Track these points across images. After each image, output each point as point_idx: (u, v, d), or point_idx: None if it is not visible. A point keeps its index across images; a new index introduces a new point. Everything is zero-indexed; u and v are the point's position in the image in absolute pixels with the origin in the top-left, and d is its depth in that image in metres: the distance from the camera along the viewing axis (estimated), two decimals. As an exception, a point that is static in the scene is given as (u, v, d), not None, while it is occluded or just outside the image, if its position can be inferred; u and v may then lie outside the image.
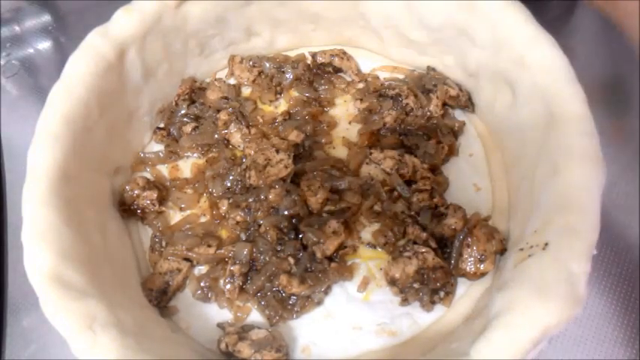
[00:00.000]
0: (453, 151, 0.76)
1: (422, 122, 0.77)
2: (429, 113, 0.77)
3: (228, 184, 0.75)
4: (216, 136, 0.79)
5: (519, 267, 0.57)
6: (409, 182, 0.72)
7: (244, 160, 0.76)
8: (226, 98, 0.82)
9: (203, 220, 0.75)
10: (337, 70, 0.84)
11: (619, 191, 0.75)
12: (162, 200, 0.75)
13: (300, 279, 0.66)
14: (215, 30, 0.80)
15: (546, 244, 0.55)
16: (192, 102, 0.82)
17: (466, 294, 0.67)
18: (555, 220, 0.56)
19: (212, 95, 0.82)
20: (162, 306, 0.69)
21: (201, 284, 0.69)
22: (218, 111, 0.80)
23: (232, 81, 0.86)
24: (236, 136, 0.79)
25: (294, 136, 0.76)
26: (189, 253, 0.70)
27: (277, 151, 0.73)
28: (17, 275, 0.76)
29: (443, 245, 0.68)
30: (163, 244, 0.72)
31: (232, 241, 0.71)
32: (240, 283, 0.67)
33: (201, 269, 0.72)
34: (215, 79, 0.84)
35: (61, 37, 1.01)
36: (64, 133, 0.63)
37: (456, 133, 0.77)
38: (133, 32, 0.71)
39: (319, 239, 0.67)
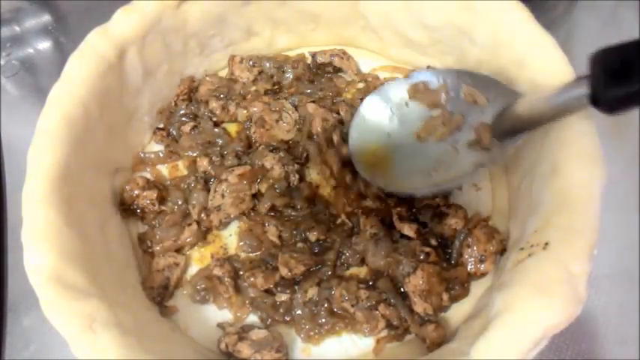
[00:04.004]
0: None
1: None
2: None
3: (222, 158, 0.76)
4: (216, 130, 0.79)
5: (520, 267, 0.57)
6: None
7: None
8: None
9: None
10: (337, 70, 0.84)
11: (619, 191, 0.75)
12: (162, 200, 0.75)
13: None
14: (215, 30, 0.80)
15: (547, 244, 0.55)
16: (191, 101, 0.82)
17: (466, 294, 0.67)
18: (555, 219, 0.56)
19: (203, 90, 0.82)
20: (164, 303, 0.69)
21: (197, 287, 0.69)
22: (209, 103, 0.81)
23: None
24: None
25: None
26: (178, 242, 0.71)
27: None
28: (17, 275, 0.76)
29: (444, 245, 0.68)
30: (149, 243, 0.72)
31: None
32: (231, 280, 0.68)
33: (192, 271, 0.72)
34: (207, 75, 0.84)
35: (61, 37, 1.01)
36: (64, 133, 0.63)
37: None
38: (133, 32, 0.71)
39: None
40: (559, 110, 0.54)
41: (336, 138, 0.74)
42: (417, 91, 0.71)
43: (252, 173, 0.72)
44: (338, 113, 0.78)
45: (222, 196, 0.71)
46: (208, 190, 0.73)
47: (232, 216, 0.72)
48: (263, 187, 0.72)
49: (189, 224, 0.72)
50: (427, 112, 0.70)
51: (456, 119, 0.67)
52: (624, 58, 0.41)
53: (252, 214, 0.73)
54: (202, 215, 0.72)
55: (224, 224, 0.73)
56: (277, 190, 0.71)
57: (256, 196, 0.73)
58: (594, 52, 0.44)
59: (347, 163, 0.73)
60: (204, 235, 0.73)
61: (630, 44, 0.41)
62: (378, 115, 0.72)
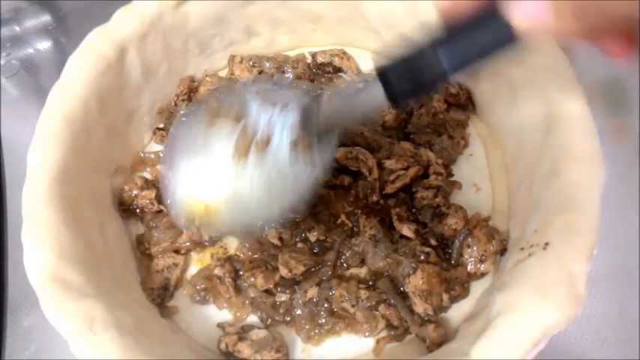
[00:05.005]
0: (467, 143, 0.76)
1: (428, 119, 0.77)
2: (433, 109, 0.77)
3: None
4: None
5: (519, 267, 0.57)
6: (423, 176, 0.72)
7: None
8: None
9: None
10: (337, 70, 0.84)
11: (619, 191, 0.75)
12: (161, 199, 0.75)
13: None
14: (215, 30, 0.80)
15: (546, 244, 0.55)
16: (191, 101, 0.82)
17: (466, 294, 0.67)
18: (555, 219, 0.56)
19: (204, 90, 0.82)
20: (165, 303, 0.69)
21: (197, 287, 0.69)
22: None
23: (230, 81, 0.86)
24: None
25: None
26: (176, 244, 0.71)
27: None
28: (17, 275, 0.76)
29: (444, 246, 0.68)
30: (147, 245, 0.72)
31: None
32: (232, 280, 0.68)
33: (192, 271, 0.72)
34: (207, 75, 0.84)
35: (61, 37, 1.01)
36: (63, 133, 0.63)
37: (463, 124, 0.78)
38: (133, 32, 0.71)
39: None
40: (358, 108, 0.56)
41: None
42: (213, 112, 0.61)
43: None
44: None
45: None
46: None
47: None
48: None
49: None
50: (233, 130, 0.59)
51: (260, 133, 0.58)
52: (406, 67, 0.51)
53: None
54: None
55: (212, 242, 0.72)
56: None
57: None
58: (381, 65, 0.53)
59: (344, 168, 0.73)
60: (201, 237, 0.72)
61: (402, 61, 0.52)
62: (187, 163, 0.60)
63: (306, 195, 0.59)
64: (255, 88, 0.62)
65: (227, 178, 0.57)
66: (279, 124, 0.58)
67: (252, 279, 0.67)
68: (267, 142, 0.57)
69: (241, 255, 0.71)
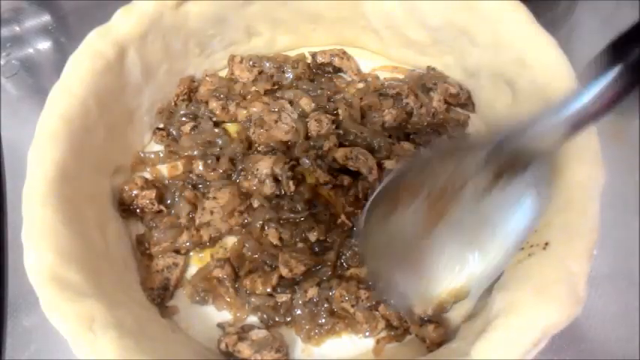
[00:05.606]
0: None
1: (428, 119, 0.77)
2: (433, 110, 0.77)
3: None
4: (216, 130, 0.79)
5: (520, 267, 0.57)
6: None
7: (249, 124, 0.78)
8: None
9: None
10: (337, 70, 0.84)
11: (619, 191, 0.75)
12: (161, 199, 0.74)
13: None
14: (215, 30, 0.80)
15: (547, 244, 0.55)
16: (191, 101, 0.82)
17: (466, 294, 0.67)
18: (555, 220, 0.56)
19: (203, 90, 0.82)
20: (164, 303, 0.69)
21: (197, 288, 0.69)
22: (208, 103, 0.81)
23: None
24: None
25: (305, 103, 0.77)
26: (176, 245, 0.71)
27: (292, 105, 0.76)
28: (17, 275, 0.76)
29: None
30: (147, 245, 0.72)
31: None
32: (232, 282, 0.68)
33: (192, 271, 0.72)
34: (207, 75, 0.84)
35: (61, 37, 1.01)
36: (63, 133, 0.63)
37: (463, 124, 0.78)
38: (133, 32, 0.71)
39: None
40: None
41: (328, 144, 0.74)
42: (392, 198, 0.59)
43: (240, 194, 0.72)
44: (336, 111, 0.78)
45: (211, 212, 0.71)
46: (195, 195, 0.73)
47: (223, 231, 0.71)
48: (255, 202, 0.71)
49: (187, 228, 0.72)
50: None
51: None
52: None
53: (244, 228, 0.72)
54: (192, 230, 0.71)
55: (214, 240, 0.72)
56: (271, 202, 0.71)
57: (248, 208, 0.72)
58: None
59: (344, 168, 0.73)
60: (201, 238, 0.72)
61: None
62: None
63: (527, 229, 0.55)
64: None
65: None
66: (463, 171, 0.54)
67: (247, 282, 0.67)
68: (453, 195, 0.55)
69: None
